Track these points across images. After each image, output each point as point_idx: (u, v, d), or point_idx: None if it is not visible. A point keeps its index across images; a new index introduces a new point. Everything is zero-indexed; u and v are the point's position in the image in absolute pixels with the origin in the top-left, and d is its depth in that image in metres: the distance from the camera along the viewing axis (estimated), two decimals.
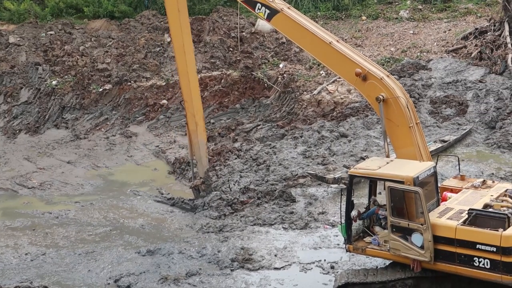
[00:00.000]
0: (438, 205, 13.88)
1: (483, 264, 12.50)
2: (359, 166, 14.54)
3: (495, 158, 22.01)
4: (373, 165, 14.22)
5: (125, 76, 30.26)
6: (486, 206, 13.11)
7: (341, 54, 15.31)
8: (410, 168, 13.65)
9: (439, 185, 14.74)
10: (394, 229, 13.53)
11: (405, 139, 14.48)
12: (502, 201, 13.30)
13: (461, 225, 12.75)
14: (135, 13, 34.96)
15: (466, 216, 12.88)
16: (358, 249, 14.45)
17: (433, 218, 13.13)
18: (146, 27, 33.27)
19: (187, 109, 20.09)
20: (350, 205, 14.41)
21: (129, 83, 30.07)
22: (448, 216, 13.22)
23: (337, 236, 17.60)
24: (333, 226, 18.33)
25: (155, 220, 20.29)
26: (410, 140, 14.41)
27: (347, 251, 14.70)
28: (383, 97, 14.53)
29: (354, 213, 14.44)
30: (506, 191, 13.87)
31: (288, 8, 16.64)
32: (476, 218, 12.73)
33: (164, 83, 29.96)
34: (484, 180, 14.57)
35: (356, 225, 14.64)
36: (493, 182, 14.70)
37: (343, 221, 14.49)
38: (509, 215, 12.51)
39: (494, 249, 12.26)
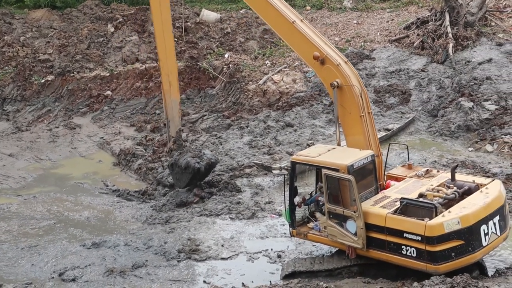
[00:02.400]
0: (376, 193, 14.04)
1: (410, 253, 12.73)
2: (300, 153, 14.77)
3: (437, 146, 22.40)
4: (314, 153, 14.43)
5: (68, 67, 29.75)
6: (420, 195, 13.30)
7: (302, 35, 15.05)
8: (347, 156, 13.83)
9: (386, 173, 14.99)
10: (331, 216, 13.80)
11: (355, 127, 14.56)
12: (438, 191, 13.43)
13: (391, 213, 12.96)
14: (78, 3, 34.39)
15: (399, 205, 13.10)
16: (300, 234, 14.75)
17: (366, 206, 13.36)
18: (89, 17, 32.77)
19: (161, 68, 19.86)
20: (292, 191, 14.62)
21: (72, 74, 29.59)
22: (382, 204, 13.43)
23: (283, 225, 17.67)
24: (279, 215, 18.41)
25: (100, 212, 20.05)
26: (360, 129, 14.49)
27: (291, 235, 14.98)
28: (337, 83, 14.48)
29: (298, 199, 14.71)
30: (445, 181, 14.01)
31: None
32: (407, 207, 12.94)
33: (108, 74, 29.57)
34: (427, 170, 14.69)
35: (301, 210, 14.82)
36: (438, 171, 14.85)
37: (287, 206, 14.68)
38: (437, 205, 12.68)
39: (419, 238, 12.48)
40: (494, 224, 12.84)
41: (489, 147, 21.77)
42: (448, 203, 13.02)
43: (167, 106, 20.13)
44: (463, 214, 12.42)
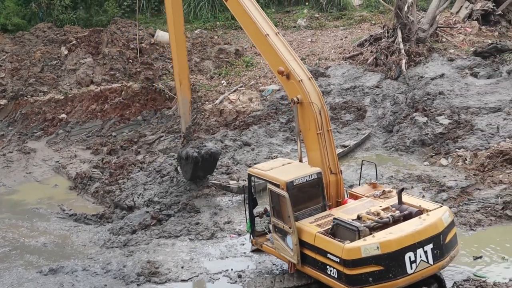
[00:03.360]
0: (323, 210, 14.12)
1: (333, 273, 12.82)
2: (256, 166, 15.14)
3: (393, 161, 22.65)
4: (267, 166, 14.75)
5: (21, 90, 29.35)
6: (358, 217, 13.33)
7: (272, 49, 15.21)
8: (293, 173, 14.05)
9: (352, 190, 15.29)
10: (276, 229, 14.08)
11: (313, 143, 14.71)
12: (379, 213, 13.34)
13: (320, 232, 13.09)
14: (30, 26, 34.00)
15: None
16: (257, 244, 15.07)
17: (304, 223, 13.55)
18: (42, 40, 32.41)
19: (174, 67, 20.45)
20: (251, 202, 15.04)
21: (25, 98, 29.19)
22: (320, 222, 13.53)
23: (243, 245, 17.66)
24: (239, 235, 18.38)
25: (57, 237, 19.72)
26: (317, 146, 14.61)
27: (251, 244, 15.46)
28: (297, 99, 14.63)
29: (260, 209, 15.08)
30: (394, 203, 13.90)
31: None
32: (337, 227, 13.02)
33: (62, 97, 29.25)
34: (384, 190, 14.57)
35: (263, 221, 15.07)
36: (392, 192, 14.71)
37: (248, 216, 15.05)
38: (361, 228, 12.64)
39: (338, 260, 12.56)
40: (425, 252, 12.62)
41: (443, 161, 22.08)
42: (384, 226, 12.93)
43: (179, 103, 21.27)
44: (384, 240, 12.34)
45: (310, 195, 14.02)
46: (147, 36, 31.98)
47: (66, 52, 30.99)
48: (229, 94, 28.14)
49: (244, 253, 17.27)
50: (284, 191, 13.50)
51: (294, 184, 13.68)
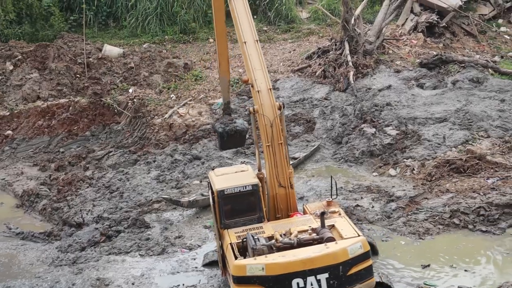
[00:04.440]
0: (259, 222, 14.18)
1: (231, 285, 12.98)
2: (216, 170, 15.59)
3: (343, 172, 22.83)
4: (222, 172, 15.12)
5: None
6: (271, 237, 13.35)
7: (246, 56, 15.27)
8: (230, 181, 14.32)
9: (307, 205, 15.34)
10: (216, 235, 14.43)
11: (264, 154, 14.76)
12: (297, 235, 13.20)
13: (232, 244, 13.32)
14: None
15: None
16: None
17: (229, 232, 13.83)
18: None
19: (217, 48, 20.26)
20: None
21: None
22: (243, 234, 13.68)
23: (194, 259, 17.56)
24: (190, 249, 18.28)
25: (3, 257, 19.25)
26: (266, 157, 14.66)
27: None
28: (253, 109, 14.75)
29: None
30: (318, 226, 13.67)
31: None
32: (246, 242, 13.21)
33: (8, 113, 28.70)
34: (325, 211, 14.17)
35: None
36: (339, 214, 14.45)
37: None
38: (255, 247, 12.69)
39: (230, 274, 12.79)
40: (318, 281, 12.39)
41: (392, 171, 22.36)
42: (289, 248, 12.87)
43: (219, 81, 21.69)
44: (271, 262, 12.31)
45: (245, 205, 14.15)
46: (95, 51, 31.64)
47: (11, 67, 30.44)
48: (178, 108, 28.02)
49: (196, 267, 17.17)
50: (214, 199, 13.87)
51: (225, 193, 13.96)
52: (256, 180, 14.35)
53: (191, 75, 30.77)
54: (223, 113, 21.33)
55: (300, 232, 13.33)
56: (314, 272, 12.31)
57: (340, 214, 14.28)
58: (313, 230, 13.34)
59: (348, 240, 12.88)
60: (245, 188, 14.11)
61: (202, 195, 20.94)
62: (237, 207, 14.08)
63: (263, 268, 12.17)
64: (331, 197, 15.32)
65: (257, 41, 15.57)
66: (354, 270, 12.60)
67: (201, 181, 22.63)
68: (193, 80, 30.36)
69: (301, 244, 12.90)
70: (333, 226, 13.53)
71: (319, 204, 15.31)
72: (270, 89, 14.85)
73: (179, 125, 27.17)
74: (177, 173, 23.55)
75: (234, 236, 13.62)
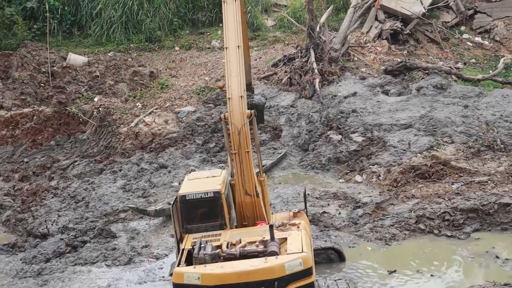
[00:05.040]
0: (221, 229, 14.12)
1: None
2: (191, 173, 15.71)
3: (310, 179, 22.90)
4: (195, 176, 15.18)
5: None
6: (219, 246, 13.27)
7: (226, 62, 15.26)
8: (196, 187, 14.34)
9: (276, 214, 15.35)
10: None
11: (230, 161, 14.84)
12: (245, 245, 13.13)
13: (184, 249, 13.36)
14: None
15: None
16: None
17: (188, 237, 13.82)
18: None
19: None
20: None
21: None
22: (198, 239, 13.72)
23: (161, 268, 17.45)
24: (157, 259, 18.16)
25: None
26: (234, 165, 14.65)
27: None
28: (224, 116, 14.70)
29: None
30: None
31: (234, 1, 16.18)
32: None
33: None
34: (283, 223, 14.16)
35: None
36: (297, 226, 14.10)
37: None
38: (197, 255, 12.68)
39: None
40: None
41: (358, 178, 22.50)
42: (233, 259, 12.82)
43: None
44: (207, 272, 12.27)
45: (206, 211, 14.10)
46: (59, 60, 31.33)
47: None
48: (144, 117, 27.87)
49: (163, 277, 17.07)
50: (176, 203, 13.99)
51: (187, 198, 13.96)
52: (219, 187, 14.22)
53: (157, 83, 30.64)
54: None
55: (249, 243, 13.18)
56: (249, 285, 12.15)
57: (298, 227, 13.93)
58: (262, 242, 13.14)
59: (289, 255, 12.57)
60: (206, 195, 14.04)
61: (169, 203, 20.83)
62: (199, 213, 14.07)
63: (199, 278, 12.11)
64: (306, 209, 15.40)
65: (239, 47, 15.46)
66: (291, 287, 12.34)
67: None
68: (159, 88, 30.24)
69: (244, 255, 12.74)
70: (285, 239, 13.32)
71: (285, 215, 15.24)
72: (241, 96, 14.74)
73: (145, 133, 27.02)
74: (143, 182, 23.41)
75: (191, 242, 13.55)
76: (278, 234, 13.40)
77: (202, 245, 12.88)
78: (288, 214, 15.28)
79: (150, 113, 28.16)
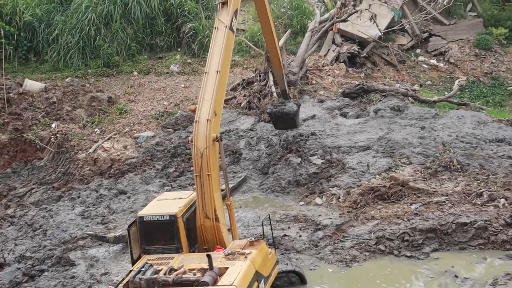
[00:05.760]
0: (177, 252, 14.22)
1: None
2: (164, 193, 16.31)
3: (270, 203, 22.90)
4: (163, 197, 15.61)
5: None
6: (157, 271, 13.33)
7: (203, 86, 15.50)
8: (156, 208, 14.61)
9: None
10: None
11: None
12: (183, 272, 13.18)
13: (130, 270, 13.57)
14: None
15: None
16: None
17: (143, 257, 14.07)
18: None
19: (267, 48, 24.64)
20: None
21: None
22: (152, 262, 13.83)
23: None
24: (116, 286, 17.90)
25: None
26: (196, 187, 14.77)
27: None
28: (191, 138, 14.96)
29: None
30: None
31: (224, 27, 16.63)
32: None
33: None
34: (233, 252, 14.10)
35: None
36: (245, 256, 14.06)
37: None
38: (133, 279, 12.86)
39: None
40: None
41: (318, 200, 22.57)
42: (168, 285, 12.94)
43: (274, 73, 26.48)
44: None
45: (163, 234, 14.26)
46: (15, 86, 30.96)
47: None
48: (103, 142, 27.64)
49: None
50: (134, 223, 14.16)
51: (144, 219, 14.20)
52: (176, 211, 14.31)
53: (115, 108, 30.45)
54: (281, 97, 25.45)
55: (190, 270, 13.17)
56: None
57: (246, 258, 13.79)
58: (201, 270, 13.15)
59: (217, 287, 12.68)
60: (163, 217, 14.22)
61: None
62: (156, 235, 14.22)
63: None
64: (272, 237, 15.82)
65: (218, 72, 15.70)
66: None
67: None
68: (118, 113, 30.05)
69: (178, 283, 12.77)
70: (226, 269, 13.27)
71: (242, 243, 15.12)
72: (208, 120, 14.93)
73: (104, 159, 26.78)
74: (102, 209, 23.16)
75: (142, 263, 13.61)
76: (223, 263, 13.42)
77: (143, 269, 12.92)
78: (246, 242, 15.10)
79: (108, 139, 27.94)
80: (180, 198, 15.07)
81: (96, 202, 23.73)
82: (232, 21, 16.91)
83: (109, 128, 29.03)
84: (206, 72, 15.70)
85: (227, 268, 13.28)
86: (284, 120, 24.64)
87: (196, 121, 14.85)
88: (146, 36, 35.25)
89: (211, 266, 13.03)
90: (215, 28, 16.75)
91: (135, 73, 33.84)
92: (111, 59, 34.04)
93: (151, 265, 13.28)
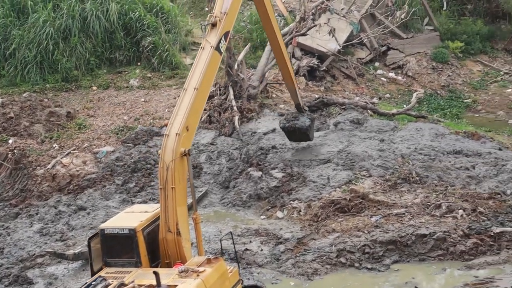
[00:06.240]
0: (136, 266, 14.09)
1: None
2: (133, 206, 16.31)
3: (231, 217, 22.85)
4: (131, 209, 15.42)
5: None
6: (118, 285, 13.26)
7: (179, 102, 15.45)
8: (118, 222, 14.57)
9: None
10: None
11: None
12: (119, 287, 13.05)
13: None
14: None
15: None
16: None
17: (103, 270, 13.96)
18: None
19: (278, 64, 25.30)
20: None
21: None
22: (110, 275, 13.75)
23: None
24: None
25: None
26: (160, 200, 14.71)
27: None
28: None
29: None
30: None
31: (210, 47, 16.65)
32: None
33: None
34: (187, 269, 13.71)
35: None
36: (197, 273, 13.65)
37: None
38: None
39: None
40: None
41: (279, 214, 22.59)
42: None
43: (287, 88, 26.29)
44: None
45: (123, 247, 14.15)
46: None
47: None
48: (61, 158, 27.31)
49: None
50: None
51: (105, 232, 14.12)
52: (135, 224, 14.18)
53: (74, 123, 30.14)
54: (296, 109, 25.93)
55: (139, 285, 12.96)
56: None
57: (198, 276, 13.47)
58: (150, 286, 12.93)
59: None
60: (122, 231, 14.10)
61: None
62: (116, 248, 14.11)
63: None
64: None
65: (195, 89, 15.70)
66: None
67: None
68: (77, 128, 29.76)
69: None
70: (175, 287, 13.03)
71: (200, 260, 14.94)
72: (178, 134, 14.90)
73: (62, 175, 26.44)
74: (61, 225, 22.83)
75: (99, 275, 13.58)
76: (174, 281, 13.21)
77: (94, 282, 12.83)
78: (204, 259, 14.96)
79: (67, 154, 27.62)
80: (145, 212, 14.96)
81: (55, 218, 23.39)
82: (220, 42, 17.03)
83: (68, 143, 28.71)
84: (184, 89, 15.72)
85: (176, 285, 13.02)
86: (297, 135, 25.59)
87: (166, 135, 14.91)
88: (106, 50, 34.98)
89: (158, 283, 12.85)
90: (201, 47, 16.85)
91: (94, 88, 33.56)
92: (70, 73, 33.71)
93: (104, 279, 13.14)
